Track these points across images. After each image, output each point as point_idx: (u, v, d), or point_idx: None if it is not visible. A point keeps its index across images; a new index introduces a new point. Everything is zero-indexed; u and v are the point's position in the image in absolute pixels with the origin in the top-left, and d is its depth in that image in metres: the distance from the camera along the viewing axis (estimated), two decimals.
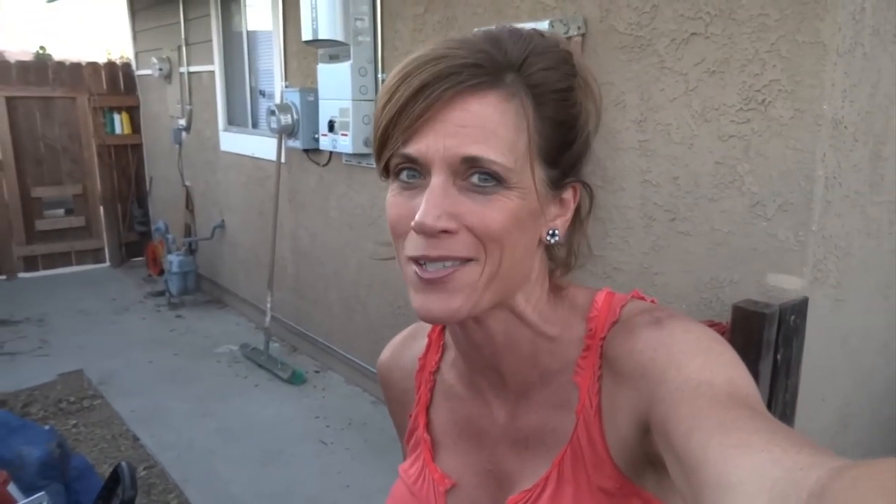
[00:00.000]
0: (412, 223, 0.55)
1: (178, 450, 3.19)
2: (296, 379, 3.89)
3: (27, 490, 1.83)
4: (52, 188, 6.21)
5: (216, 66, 4.89)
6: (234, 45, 4.76)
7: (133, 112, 6.37)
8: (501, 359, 0.66)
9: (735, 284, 1.94)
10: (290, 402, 3.70)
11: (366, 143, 3.31)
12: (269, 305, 4.19)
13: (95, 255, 6.53)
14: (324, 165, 3.84)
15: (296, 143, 3.83)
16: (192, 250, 5.39)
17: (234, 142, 4.84)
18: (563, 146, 0.59)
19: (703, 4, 1.92)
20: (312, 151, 3.87)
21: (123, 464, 1.42)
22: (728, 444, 0.43)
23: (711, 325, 1.77)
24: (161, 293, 5.45)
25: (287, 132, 3.81)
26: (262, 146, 4.39)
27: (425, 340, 0.77)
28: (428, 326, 0.77)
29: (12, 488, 1.74)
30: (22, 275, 6.10)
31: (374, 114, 0.59)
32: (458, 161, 0.54)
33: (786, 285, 1.83)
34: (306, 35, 3.31)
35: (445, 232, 0.55)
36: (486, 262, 0.56)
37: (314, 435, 3.34)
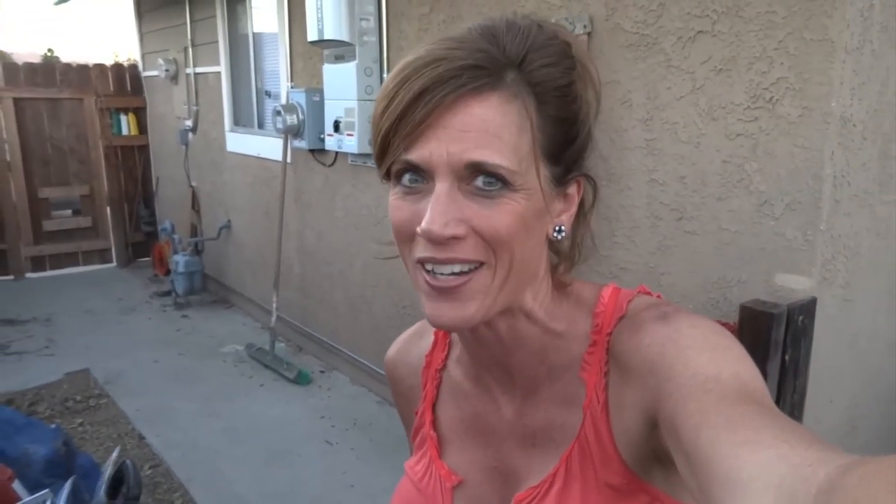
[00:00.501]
0: (419, 229, 0.54)
1: (184, 449, 3.19)
2: (301, 379, 3.90)
3: (33, 488, 1.84)
4: (60, 189, 6.25)
5: (222, 67, 4.91)
6: (240, 46, 4.77)
7: (140, 113, 6.40)
8: (510, 356, 0.65)
9: (743, 284, 1.93)
10: (296, 401, 3.70)
11: (370, 144, 3.30)
12: (274, 305, 4.19)
13: (102, 256, 6.57)
14: (329, 165, 3.85)
15: (301, 144, 3.83)
16: (198, 250, 5.41)
17: (240, 142, 4.86)
18: (567, 142, 0.58)
19: (709, 2, 1.91)
20: (318, 152, 3.88)
21: (128, 461, 1.42)
22: (736, 440, 0.43)
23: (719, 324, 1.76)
24: (167, 293, 5.47)
25: (293, 132, 3.82)
26: (267, 146, 4.40)
27: (432, 338, 0.77)
28: None
29: (17, 486, 1.75)
30: (29, 275, 6.13)
31: (372, 117, 0.58)
32: (462, 166, 0.54)
33: (794, 285, 1.81)
34: (312, 35, 3.32)
35: (453, 238, 0.54)
36: (496, 265, 0.56)
37: (319, 435, 3.34)
